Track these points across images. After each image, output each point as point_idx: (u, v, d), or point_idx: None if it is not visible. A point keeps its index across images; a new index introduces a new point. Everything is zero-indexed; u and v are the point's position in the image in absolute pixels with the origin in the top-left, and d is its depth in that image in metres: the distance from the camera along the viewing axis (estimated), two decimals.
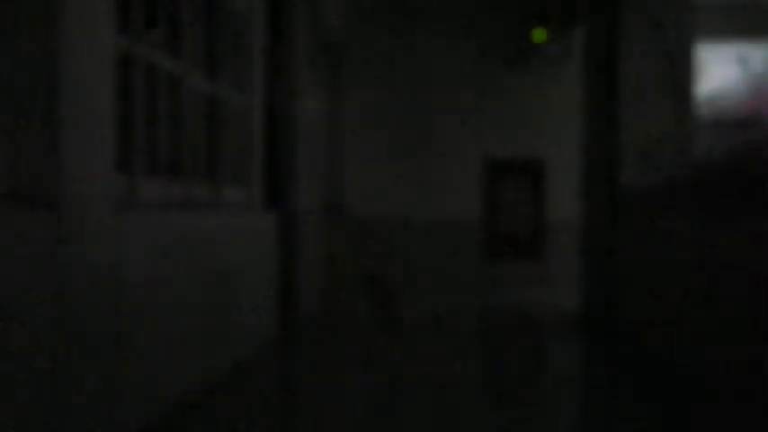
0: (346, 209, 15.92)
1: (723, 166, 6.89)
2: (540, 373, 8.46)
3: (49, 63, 4.26)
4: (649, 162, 9.03)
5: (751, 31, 15.15)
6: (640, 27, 9.79)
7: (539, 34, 15.55)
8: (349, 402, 6.71)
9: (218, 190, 7.79)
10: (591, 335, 10.00)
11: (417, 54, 16.04)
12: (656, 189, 8.36)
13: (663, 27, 9.68)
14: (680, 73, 9.60)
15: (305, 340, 9.81)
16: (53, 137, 4.26)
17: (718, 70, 9.92)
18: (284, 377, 7.93)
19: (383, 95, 16.07)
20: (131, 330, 5.16)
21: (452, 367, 8.24)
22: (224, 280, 7.22)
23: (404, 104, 16.06)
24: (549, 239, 16.04)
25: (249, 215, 8.41)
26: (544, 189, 16.15)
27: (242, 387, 6.99)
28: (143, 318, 5.37)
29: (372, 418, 6.16)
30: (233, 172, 8.35)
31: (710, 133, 7.32)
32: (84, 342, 4.45)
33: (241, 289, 7.77)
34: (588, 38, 11.32)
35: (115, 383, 4.88)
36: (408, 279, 15.81)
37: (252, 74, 8.80)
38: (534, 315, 12.23)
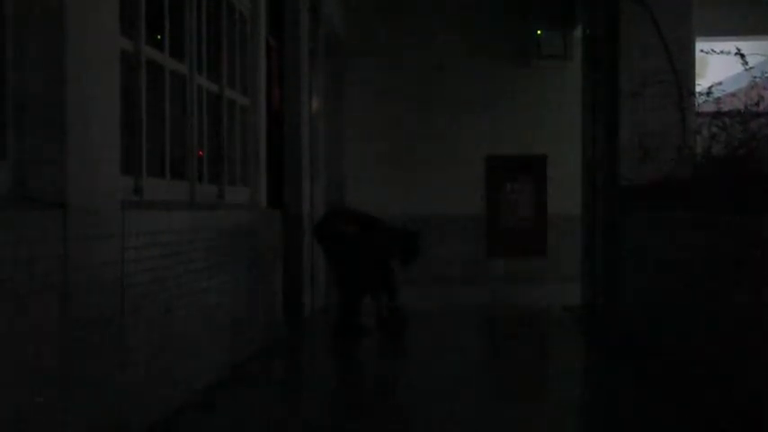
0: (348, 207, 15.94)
1: (724, 161, 6.93)
2: (538, 366, 8.52)
3: (54, 66, 4.32)
4: (650, 159, 9.04)
5: (752, 26, 15.16)
6: (640, 24, 9.82)
7: (540, 32, 15.59)
8: (347, 390, 6.81)
9: (223, 189, 7.83)
10: (592, 329, 10.06)
11: (418, 53, 16.05)
12: (655, 186, 8.40)
13: (663, 23, 9.71)
14: (680, 69, 9.62)
15: (309, 339, 9.87)
16: (60, 139, 4.32)
17: (719, 66, 9.95)
18: (287, 377, 8.00)
19: (384, 94, 16.08)
20: (133, 329, 5.22)
21: (449, 356, 8.30)
22: (228, 278, 7.27)
23: (405, 102, 16.07)
24: (551, 235, 16.05)
25: (254, 214, 8.46)
26: (546, 185, 16.17)
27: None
28: (144, 317, 5.43)
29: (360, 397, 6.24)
30: (237, 172, 8.39)
31: (711, 129, 7.33)
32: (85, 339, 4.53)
33: (245, 288, 7.81)
34: (589, 35, 11.36)
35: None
36: (410, 276, 15.84)
37: (256, 74, 8.84)
38: (536, 311, 12.27)
